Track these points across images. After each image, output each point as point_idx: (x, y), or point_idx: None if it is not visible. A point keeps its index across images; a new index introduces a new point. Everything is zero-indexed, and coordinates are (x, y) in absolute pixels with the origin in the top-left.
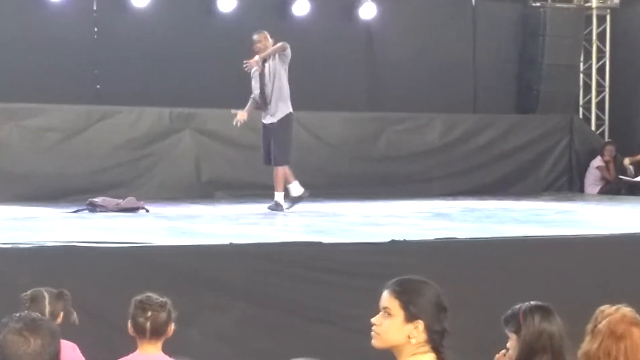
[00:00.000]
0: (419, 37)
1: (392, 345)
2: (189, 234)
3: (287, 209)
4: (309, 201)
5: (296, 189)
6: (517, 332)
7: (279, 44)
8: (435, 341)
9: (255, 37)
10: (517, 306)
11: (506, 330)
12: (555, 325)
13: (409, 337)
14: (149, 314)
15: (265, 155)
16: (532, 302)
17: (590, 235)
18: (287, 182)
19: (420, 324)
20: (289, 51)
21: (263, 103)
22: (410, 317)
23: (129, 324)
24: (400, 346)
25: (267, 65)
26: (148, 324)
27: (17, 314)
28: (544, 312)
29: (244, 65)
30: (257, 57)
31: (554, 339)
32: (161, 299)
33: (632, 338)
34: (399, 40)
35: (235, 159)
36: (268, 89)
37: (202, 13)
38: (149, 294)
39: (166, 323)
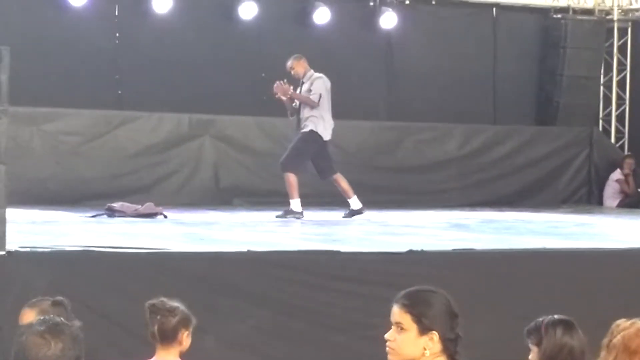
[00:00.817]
0: (439, 47)
1: (409, 359)
2: (207, 241)
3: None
4: (327, 209)
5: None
6: (538, 344)
7: (311, 100)
8: (450, 349)
9: (288, 63)
10: (540, 319)
11: (528, 342)
12: (577, 340)
13: (424, 349)
14: (157, 317)
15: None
16: (556, 316)
17: (608, 248)
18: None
19: (435, 335)
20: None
21: (296, 116)
22: (423, 330)
23: (149, 328)
24: (416, 358)
25: (304, 85)
26: (156, 328)
27: (42, 317)
28: (567, 326)
29: (275, 93)
30: (290, 91)
31: (575, 353)
32: (172, 304)
33: None
34: (419, 50)
35: (253, 166)
36: (298, 106)
37: (223, 19)
38: (163, 299)
39: (175, 329)
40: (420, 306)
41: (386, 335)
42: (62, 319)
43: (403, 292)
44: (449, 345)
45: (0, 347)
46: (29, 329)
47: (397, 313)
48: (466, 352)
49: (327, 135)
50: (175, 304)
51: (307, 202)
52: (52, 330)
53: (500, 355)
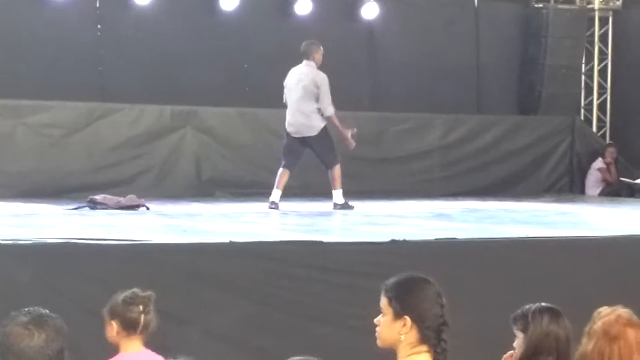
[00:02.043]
0: (422, 37)
1: (389, 344)
2: (190, 232)
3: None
4: (310, 200)
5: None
6: (524, 330)
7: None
8: (430, 339)
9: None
10: (527, 306)
11: (514, 329)
12: (563, 329)
13: (399, 334)
14: (141, 308)
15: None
16: (543, 304)
17: (590, 236)
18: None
19: (407, 320)
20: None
21: None
22: (397, 314)
23: (115, 324)
24: (396, 345)
25: None
26: (142, 318)
27: (27, 309)
28: (553, 314)
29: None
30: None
31: (560, 341)
32: (145, 293)
33: (626, 339)
34: (401, 40)
35: (235, 158)
36: None
37: (205, 11)
38: (134, 289)
39: (154, 317)
40: (396, 290)
41: (375, 320)
42: (47, 311)
43: (391, 278)
44: (427, 333)
45: None
46: (13, 319)
47: (381, 297)
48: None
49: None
50: (145, 292)
51: (290, 194)
52: (36, 321)
53: (483, 344)
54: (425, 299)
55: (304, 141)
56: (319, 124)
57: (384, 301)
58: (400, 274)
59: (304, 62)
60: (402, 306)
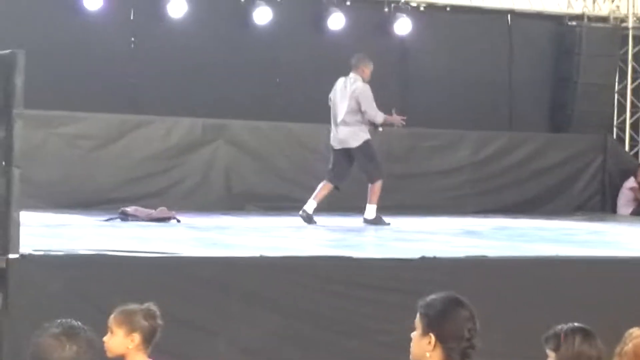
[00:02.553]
0: (454, 53)
1: (417, 359)
2: (220, 245)
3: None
4: (340, 215)
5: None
6: (556, 350)
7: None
8: (454, 358)
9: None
10: (560, 326)
11: (546, 349)
12: (595, 350)
13: (425, 351)
14: (159, 321)
15: None
16: (575, 324)
17: (621, 256)
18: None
19: (432, 338)
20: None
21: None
22: (425, 330)
23: (137, 337)
24: None
25: None
26: (158, 330)
27: (59, 320)
28: (586, 334)
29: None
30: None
31: None
32: (153, 306)
33: None
34: (434, 56)
35: (266, 172)
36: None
37: (238, 25)
38: (148, 303)
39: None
40: (427, 306)
41: (412, 334)
42: (79, 323)
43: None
44: (451, 355)
45: (16, 350)
46: (46, 331)
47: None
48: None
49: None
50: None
51: (320, 208)
52: (68, 332)
53: None
54: (452, 319)
55: (347, 153)
56: (362, 136)
57: (417, 317)
58: (439, 292)
59: (351, 74)
60: (429, 323)
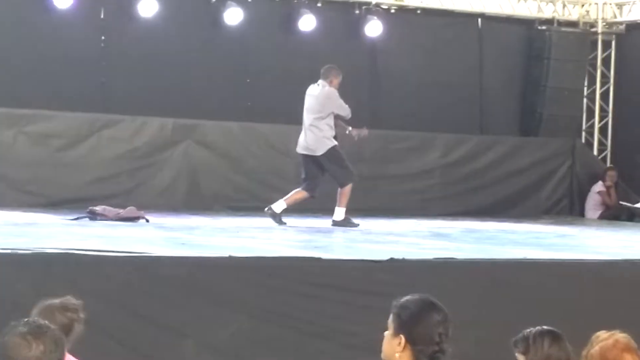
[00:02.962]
0: (424, 56)
1: (387, 359)
2: (188, 245)
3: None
4: (309, 216)
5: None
6: (525, 353)
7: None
8: None
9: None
10: (529, 329)
11: (515, 352)
12: (564, 352)
13: (394, 352)
14: (79, 315)
15: None
16: (544, 327)
17: (589, 260)
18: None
19: (402, 339)
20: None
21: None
22: (395, 331)
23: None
24: None
25: None
26: (75, 326)
27: (26, 319)
28: (554, 337)
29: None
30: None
31: None
32: (77, 301)
33: None
34: (404, 59)
35: (235, 172)
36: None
37: (209, 25)
38: (67, 297)
39: (82, 326)
40: (401, 307)
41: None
42: (47, 322)
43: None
44: (420, 356)
45: None
46: (12, 329)
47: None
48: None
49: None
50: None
51: (290, 209)
52: (35, 332)
53: None
54: (423, 322)
55: (316, 160)
56: (327, 143)
57: (390, 317)
58: (415, 294)
59: (320, 81)
60: (401, 324)
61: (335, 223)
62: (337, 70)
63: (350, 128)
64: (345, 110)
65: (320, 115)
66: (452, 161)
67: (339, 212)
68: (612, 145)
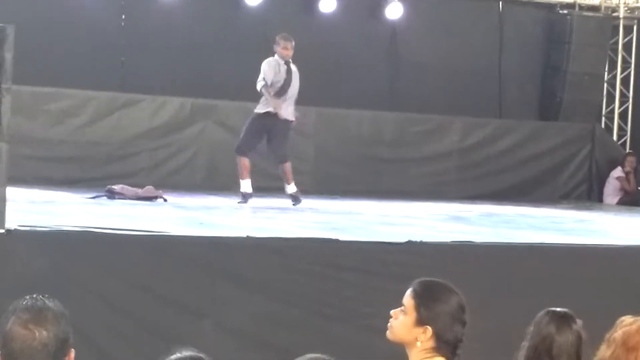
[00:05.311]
0: (445, 39)
1: (400, 341)
2: (206, 225)
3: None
4: (326, 198)
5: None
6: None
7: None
8: (445, 351)
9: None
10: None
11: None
12: (564, 334)
13: (416, 340)
14: None
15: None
16: (552, 308)
17: (607, 245)
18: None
19: (428, 331)
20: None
21: (282, 98)
22: (420, 321)
23: None
24: (409, 345)
25: (292, 67)
26: None
27: (25, 301)
28: (556, 318)
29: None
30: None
31: (556, 347)
32: None
33: None
34: (424, 41)
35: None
36: (292, 90)
37: (230, 5)
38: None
39: None
40: (426, 297)
41: (392, 311)
42: (45, 299)
43: (422, 279)
44: (444, 347)
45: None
46: (14, 315)
47: (406, 295)
48: (463, 345)
49: None
50: None
51: (309, 191)
52: (36, 318)
53: (497, 347)
54: (450, 313)
55: None
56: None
57: (410, 303)
58: (430, 279)
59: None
60: (429, 316)
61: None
62: (278, 38)
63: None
64: (260, 77)
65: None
66: (470, 145)
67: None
68: (631, 131)
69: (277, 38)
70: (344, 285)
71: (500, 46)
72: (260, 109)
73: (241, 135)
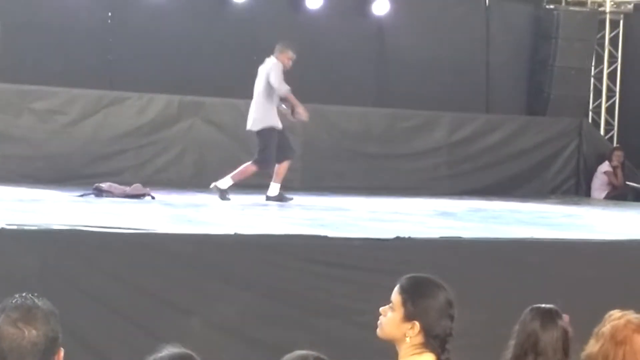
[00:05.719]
0: (432, 35)
1: (390, 338)
2: (194, 222)
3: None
4: (315, 195)
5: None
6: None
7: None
8: (434, 346)
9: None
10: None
11: None
12: (549, 331)
13: (405, 335)
14: None
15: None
16: (539, 305)
17: (595, 239)
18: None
19: (416, 326)
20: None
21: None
22: (408, 317)
23: None
24: (398, 342)
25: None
26: None
27: (14, 300)
28: (540, 314)
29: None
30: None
31: (542, 343)
32: None
33: (632, 345)
34: (411, 37)
35: (241, 150)
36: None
37: (217, 3)
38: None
39: None
40: (413, 293)
41: (381, 308)
42: (35, 298)
43: (410, 275)
44: (432, 342)
45: None
46: (3, 314)
47: (394, 291)
48: (453, 340)
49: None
50: None
51: (297, 187)
52: (25, 317)
53: (485, 343)
54: (438, 308)
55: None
56: (267, 122)
57: (397, 299)
58: (417, 274)
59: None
60: (416, 311)
61: (269, 198)
62: (284, 46)
63: (284, 106)
64: (278, 83)
65: (265, 89)
66: (458, 140)
67: (274, 188)
68: (618, 125)
69: (287, 46)
70: (332, 281)
71: (487, 41)
72: (274, 122)
73: (267, 152)
